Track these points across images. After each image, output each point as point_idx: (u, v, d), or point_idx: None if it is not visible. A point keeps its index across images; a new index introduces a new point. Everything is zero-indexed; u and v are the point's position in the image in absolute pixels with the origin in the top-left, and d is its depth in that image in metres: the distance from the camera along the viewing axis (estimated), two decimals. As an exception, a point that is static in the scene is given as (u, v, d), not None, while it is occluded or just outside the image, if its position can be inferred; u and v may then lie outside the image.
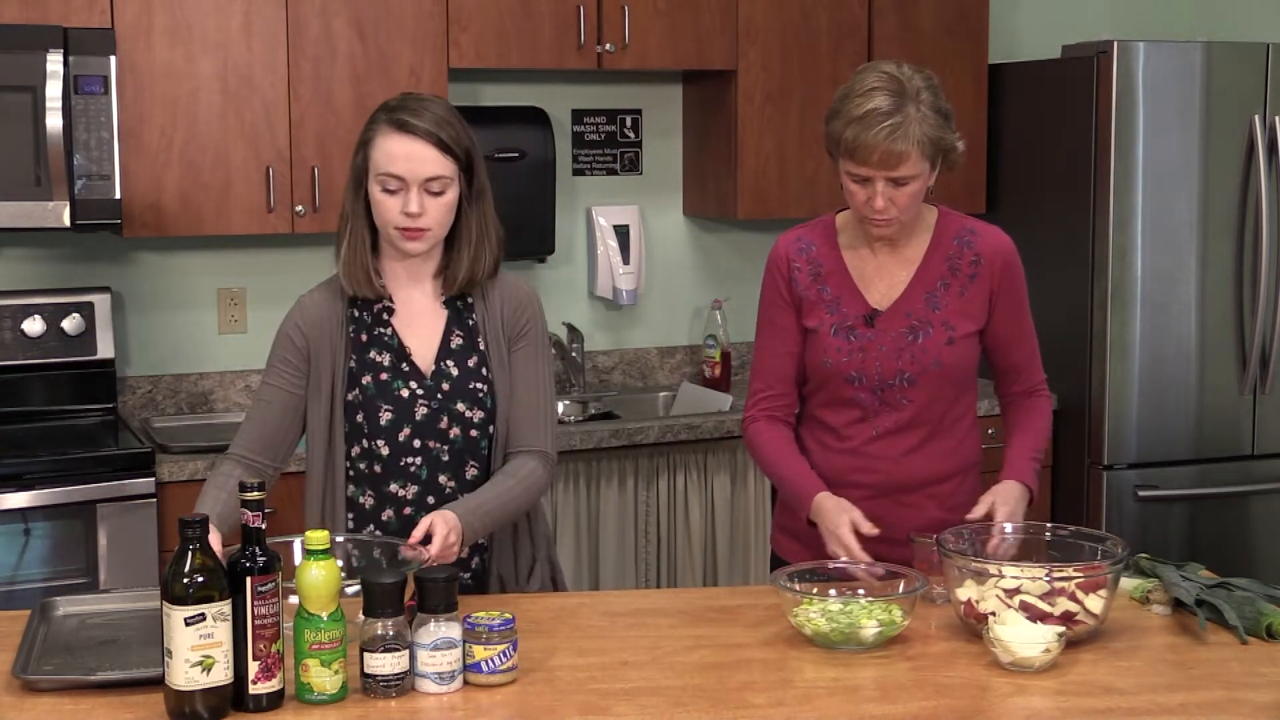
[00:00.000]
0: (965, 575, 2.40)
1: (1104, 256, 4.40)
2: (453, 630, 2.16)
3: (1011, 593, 2.33)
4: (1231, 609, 2.41)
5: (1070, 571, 2.35)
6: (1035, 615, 2.30)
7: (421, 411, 2.64)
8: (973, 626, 2.37)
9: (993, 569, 2.38)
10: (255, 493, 2.09)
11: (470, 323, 2.70)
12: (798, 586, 2.47)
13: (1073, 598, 2.33)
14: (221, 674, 2.05)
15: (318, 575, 2.12)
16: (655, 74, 4.66)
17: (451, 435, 2.65)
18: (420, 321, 2.68)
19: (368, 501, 2.67)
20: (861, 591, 2.48)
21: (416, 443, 2.64)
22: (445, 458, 2.65)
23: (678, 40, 4.36)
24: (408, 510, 2.65)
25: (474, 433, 2.66)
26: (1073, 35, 4.79)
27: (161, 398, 4.29)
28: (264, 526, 2.10)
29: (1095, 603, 2.34)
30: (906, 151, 2.62)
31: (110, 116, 3.73)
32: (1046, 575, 2.34)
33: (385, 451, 2.65)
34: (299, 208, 4.02)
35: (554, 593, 2.64)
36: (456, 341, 2.68)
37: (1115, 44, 4.33)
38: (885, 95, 2.63)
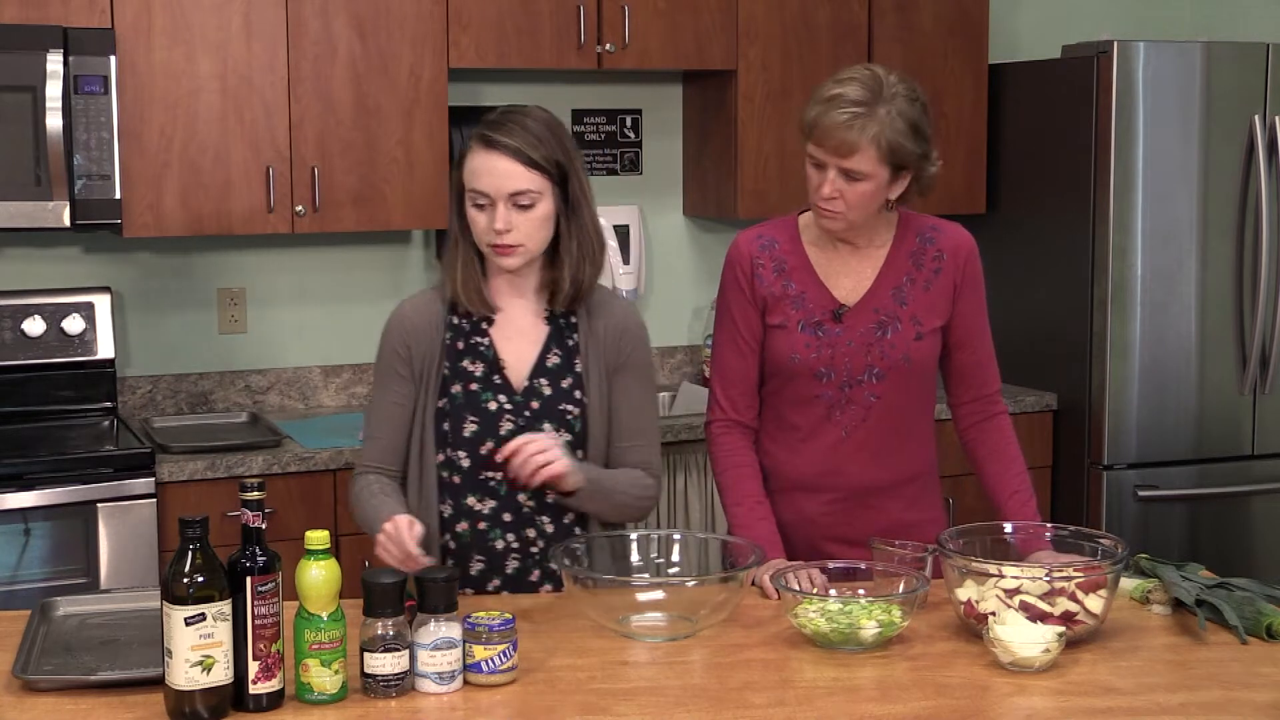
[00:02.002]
0: (965, 575, 2.40)
1: (1104, 256, 4.40)
2: (453, 630, 2.16)
3: (1011, 593, 2.33)
4: (1231, 609, 2.41)
5: (1070, 571, 2.35)
6: (1035, 615, 2.30)
7: (507, 427, 2.60)
8: (973, 626, 2.37)
9: (992, 569, 2.38)
10: (255, 493, 2.09)
11: (571, 342, 2.66)
12: (798, 586, 2.47)
13: (1073, 598, 2.33)
14: (221, 674, 2.05)
15: (318, 575, 2.12)
16: (655, 74, 4.66)
17: None
18: (519, 335, 2.65)
19: (445, 510, 2.63)
20: (861, 592, 2.48)
21: (499, 458, 2.61)
22: None
23: (678, 40, 4.36)
24: (482, 525, 2.62)
25: None
26: (1073, 35, 4.79)
27: (161, 398, 4.29)
28: (264, 526, 2.10)
29: (1095, 603, 2.34)
30: (859, 143, 2.63)
31: (110, 116, 3.73)
32: (1046, 575, 2.34)
33: (466, 463, 2.61)
34: (299, 208, 4.02)
35: (554, 593, 2.64)
36: (553, 360, 2.65)
37: (1115, 44, 4.33)
38: (859, 87, 2.65)
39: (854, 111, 2.63)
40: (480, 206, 2.56)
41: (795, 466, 2.83)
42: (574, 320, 2.67)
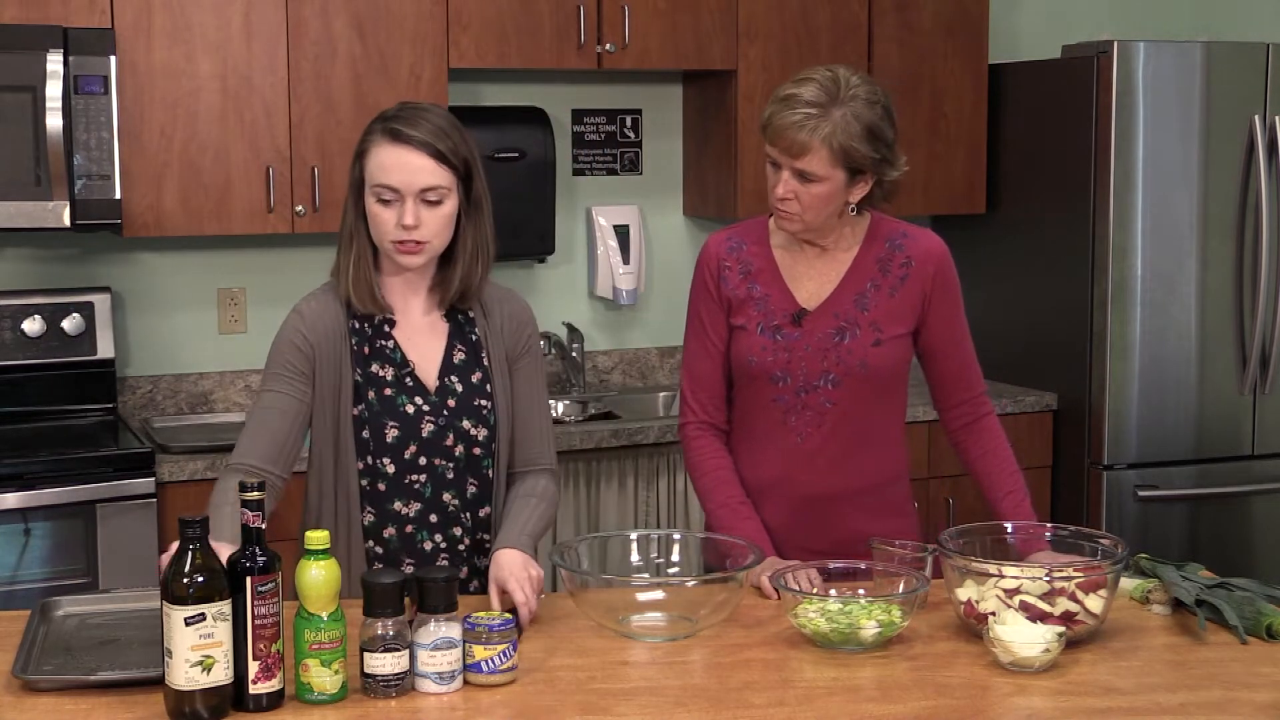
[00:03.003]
0: (965, 575, 2.40)
1: (1104, 256, 4.40)
2: (453, 630, 2.16)
3: (1011, 593, 2.33)
4: (1231, 609, 2.41)
5: (1070, 571, 2.36)
6: (1035, 615, 2.30)
7: (428, 428, 2.59)
8: (973, 626, 2.37)
9: (993, 569, 2.38)
10: (254, 493, 2.09)
11: (473, 337, 2.65)
12: (798, 586, 2.47)
13: (1073, 598, 2.33)
14: (221, 674, 2.05)
15: (318, 575, 2.11)
16: (655, 74, 4.66)
17: (456, 453, 2.60)
18: (422, 335, 2.63)
19: (368, 518, 2.61)
20: (861, 592, 2.48)
21: (422, 460, 2.59)
22: (450, 475, 2.61)
23: (678, 40, 4.37)
24: (410, 528, 2.61)
25: (477, 450, 2.62)
26: (1073, 35, 4.79)
27: (161, 398, 4.29)
28: (264, 527, 2.10)
29: (1095, 603, 2.34)
30: (810, 144, 2.60)
31: (110, 116, 3.73)
32: (1046, 575, 2.34)
33: (391, 469, 2.59)
34: (299, 208, 4.02)
35: (554, 593, 2.63)
36: (459, 356, 2.63)
37: (1115, 44, 4.33)
38: (817, 88, 2.62)
39: (807, 113, 2.60)
40: (386, 202, 2.51)
41: (753, 471, 2.81)
42: (471, 315, 2.66)
